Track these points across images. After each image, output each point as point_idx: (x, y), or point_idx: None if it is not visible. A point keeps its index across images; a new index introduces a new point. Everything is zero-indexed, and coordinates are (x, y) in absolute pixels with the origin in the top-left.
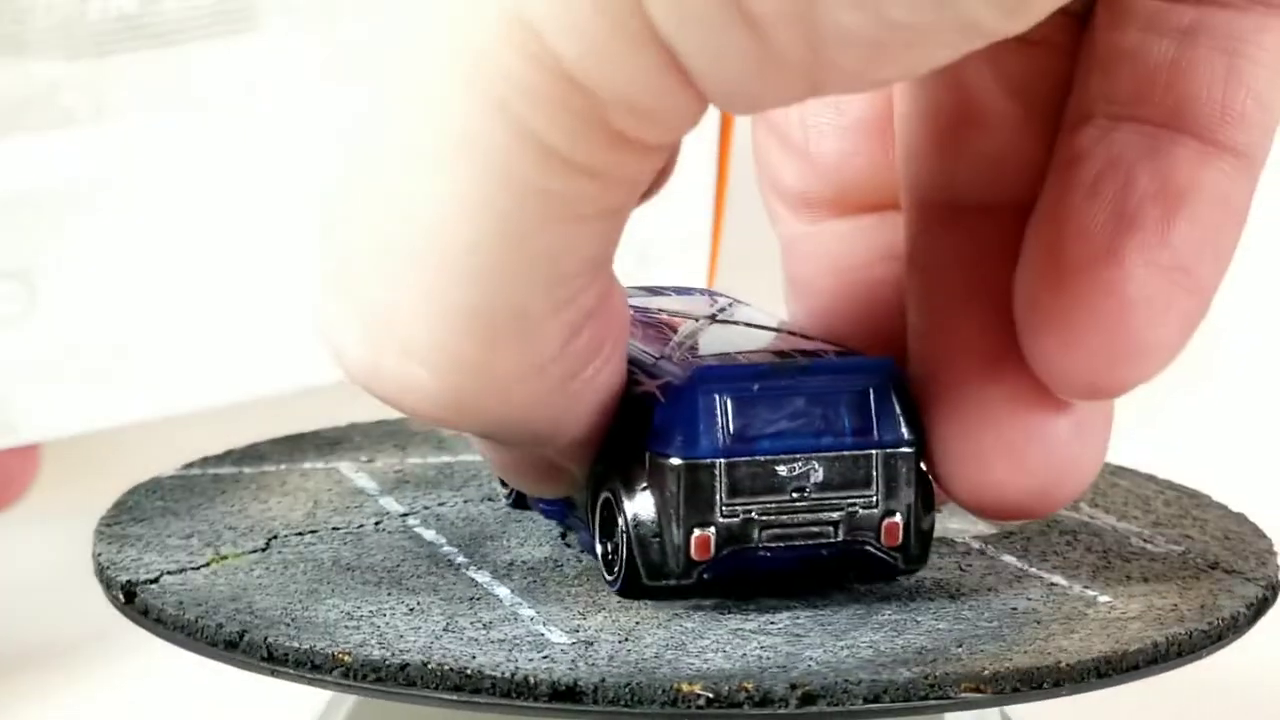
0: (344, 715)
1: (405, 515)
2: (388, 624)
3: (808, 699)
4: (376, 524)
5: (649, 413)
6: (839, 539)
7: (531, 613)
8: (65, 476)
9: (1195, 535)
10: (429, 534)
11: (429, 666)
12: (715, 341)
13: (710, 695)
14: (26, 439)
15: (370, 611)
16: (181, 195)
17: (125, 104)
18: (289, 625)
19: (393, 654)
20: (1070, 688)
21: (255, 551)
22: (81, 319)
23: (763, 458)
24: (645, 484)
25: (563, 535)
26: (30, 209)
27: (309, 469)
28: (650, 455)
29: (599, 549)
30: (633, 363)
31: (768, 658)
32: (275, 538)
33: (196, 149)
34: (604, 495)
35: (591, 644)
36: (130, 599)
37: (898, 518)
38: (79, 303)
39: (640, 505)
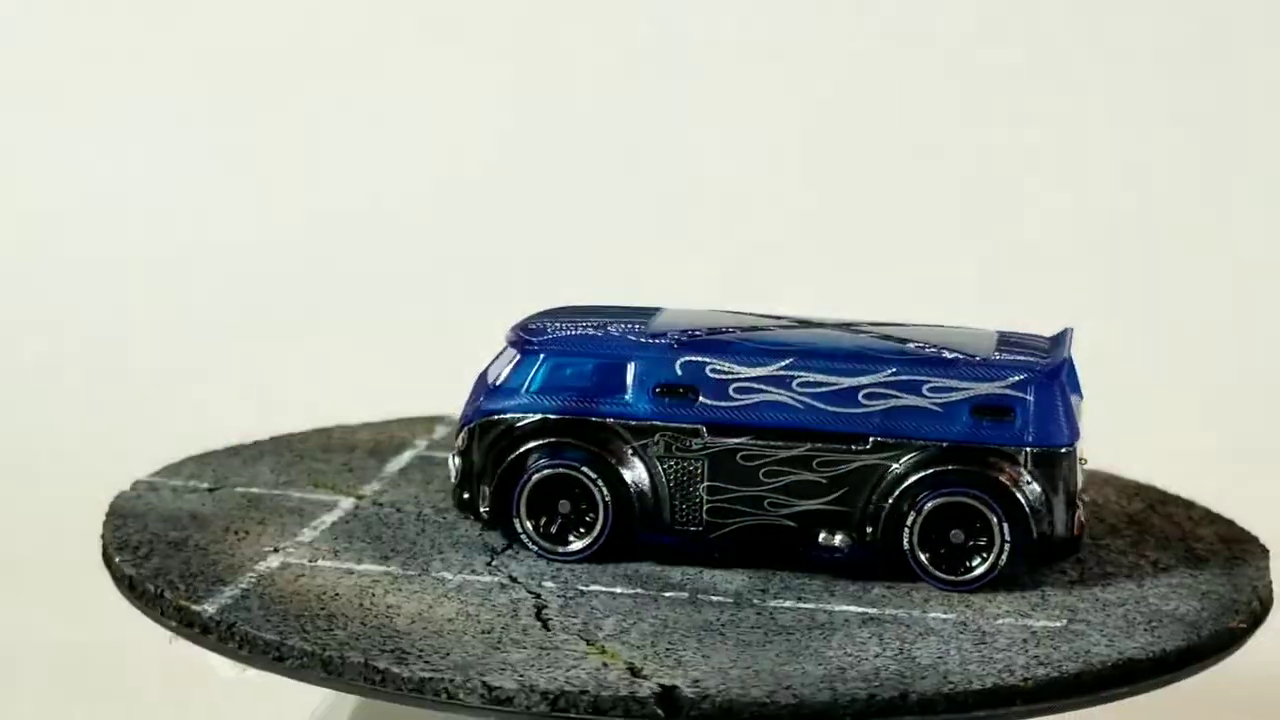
0: (348, 714)
1: (517, 580)
2: (919, 652)
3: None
4: (535, 599)
5: (1006, 411)
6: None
7: (953, 616)
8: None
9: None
10: (618, 588)
11: (1086, 676)
12: (945, 344)
13: (1246, 625)
14: None
15: (855, 657)
16: None
17: None
18: (884, 678)
19: (999, 678)
20: None
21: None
22: None
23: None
24: (1031, 476)
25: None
26: None
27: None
28: (1032, 449)
29: (923, 555)
30: (919, 367)
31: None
32: (539, 616)
33: None
34: (939, 502)
35: (1084, 630)
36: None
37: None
38: None
39: (1035, 497)
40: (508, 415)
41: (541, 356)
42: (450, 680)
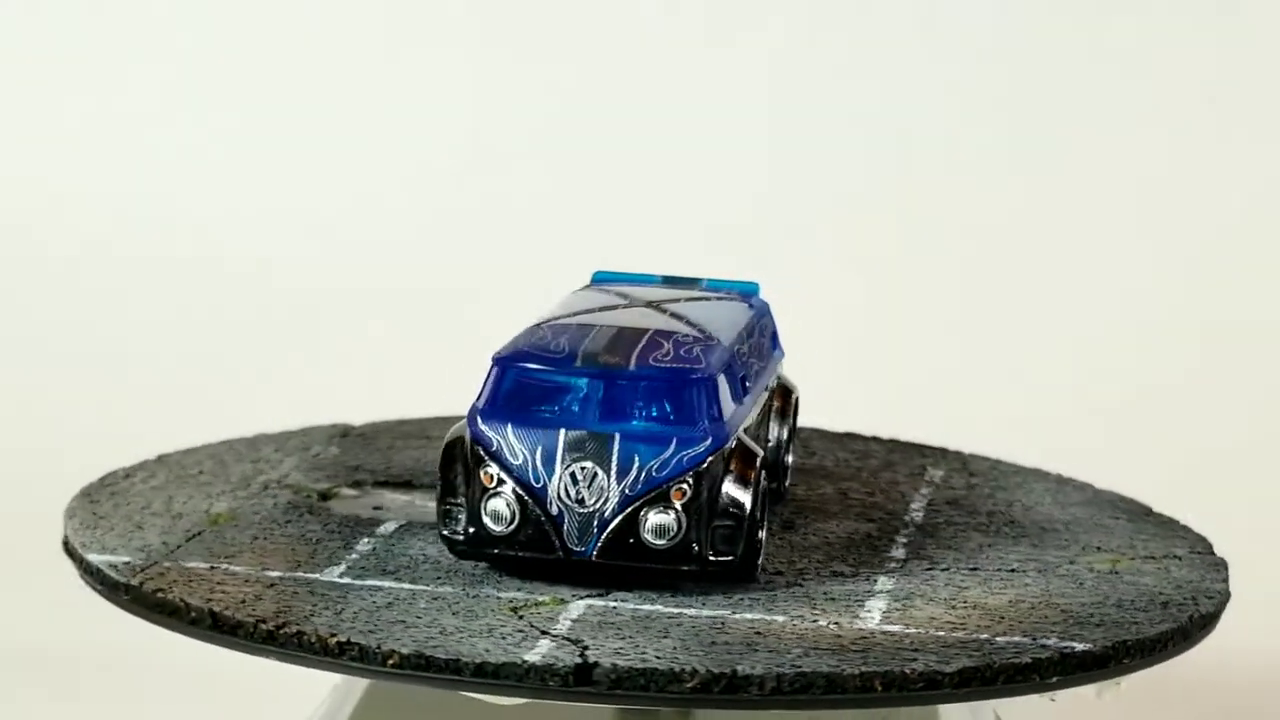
0: (354, 705)
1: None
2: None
3: None
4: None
5: None
6: None
7: None
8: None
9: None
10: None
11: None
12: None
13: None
14: None
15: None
16: None
17: None
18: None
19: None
20: None
21: None
22: None
23: None
24: None
25: None
26: None
27: None
28: None
29: None
30: None
31: None
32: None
33: None
34: None
35: None
36: None
37: None
38: None
39: None
40: (724, 448)
41: (714, 380)
42: (1034, 652)
